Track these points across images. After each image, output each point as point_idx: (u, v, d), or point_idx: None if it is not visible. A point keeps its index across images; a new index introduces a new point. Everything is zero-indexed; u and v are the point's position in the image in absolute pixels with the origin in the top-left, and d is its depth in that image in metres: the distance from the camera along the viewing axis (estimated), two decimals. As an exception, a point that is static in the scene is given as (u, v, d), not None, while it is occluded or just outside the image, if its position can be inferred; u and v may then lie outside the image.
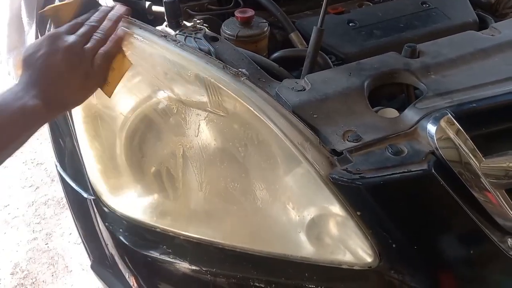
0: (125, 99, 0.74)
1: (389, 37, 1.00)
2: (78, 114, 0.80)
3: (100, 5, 0.73)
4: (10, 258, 1.69)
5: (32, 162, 2.12)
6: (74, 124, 0.81)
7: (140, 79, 0.74)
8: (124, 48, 0.70)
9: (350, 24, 1.04)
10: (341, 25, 1.04)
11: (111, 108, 0.76)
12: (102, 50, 0.65)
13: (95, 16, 0.68)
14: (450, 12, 1.06)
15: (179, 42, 0.72)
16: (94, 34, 0.66)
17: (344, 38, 1.00)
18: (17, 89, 0.59)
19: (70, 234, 1.78)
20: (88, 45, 0.64)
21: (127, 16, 0.72)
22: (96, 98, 0.75)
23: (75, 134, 0.82)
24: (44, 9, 0.69)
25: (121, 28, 0.69)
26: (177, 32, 0.83)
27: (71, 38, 0.63)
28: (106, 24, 0.68)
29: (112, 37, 0.68)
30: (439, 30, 1.00)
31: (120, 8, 0.70)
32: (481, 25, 1.04)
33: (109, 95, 0.70)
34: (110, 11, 0.70)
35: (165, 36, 0.73)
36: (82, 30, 0.65)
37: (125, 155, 0.76)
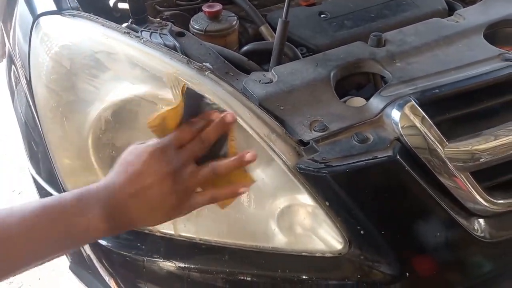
0: (90, 97, 0.74)
1: (360, 27, 1.00)
2: (45, 115, 0.79)
3: (205, 103, 0.61)
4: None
5: (15, 167, 2.10)
6: (42, 125, 0.80)
7: (106, 77, 0.74)
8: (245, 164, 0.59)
9: (322, 16, 1.04)
10: (312, 17, 1.04)
11: (76, 108, 0.75)
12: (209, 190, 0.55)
13: (206, 132, 0.55)
14: (419, 0, 1.07)
15: (142, 38, 0.72)
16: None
17: (315, 29, 1.00)
18: (90, 197, 0.49)
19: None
20: (199, 175, 0.53)
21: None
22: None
23: (44, 135, 0.81)
24: (149, 121, 0.57)
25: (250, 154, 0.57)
26: (143, 28, 0.83)
27: (179, 162, 0.51)
28: (211, 137, 0.55)
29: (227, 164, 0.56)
30: (408, 18, 1.01)
31: (230, 118, 0.57)
32: (451, 12, 1.05)
33: (222, 207, 0.62)
34: (218, 119, 0.57)
35: (128, 32, 0.72)
36: (190, 150, 0.53)
37: (94, 155, 0.76)
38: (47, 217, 0.48)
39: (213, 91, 0.68)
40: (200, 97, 0.61)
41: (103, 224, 0.49)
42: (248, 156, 0.57)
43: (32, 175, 0.98)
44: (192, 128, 0.56)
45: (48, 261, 0.50)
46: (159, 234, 0.77)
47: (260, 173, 0.70)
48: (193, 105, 0.59)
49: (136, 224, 0.54)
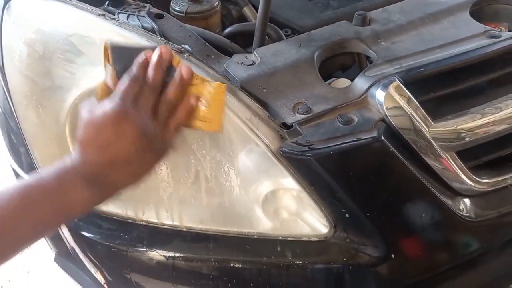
0: (66, 83, 0.71)
1: (346, 8, 0.98)
2: (20, 103, 0.77)
3: (132, 50, 0.56)
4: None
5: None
6: (18, 114, 0.78)
7: (81, 62, 0.71)
8: (198, 79, 0.57)
9: (307, -4, 1.02)
10: (298, -2, 1.01)
11: (52, 94, 0.72)
12: (174, 121, 0.54)
13: (150, 77, 0.53)
14: (406, -21, 1.05)
15: (118, 20, 0.69)
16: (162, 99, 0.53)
17: (301, 11, 0.98)
18: (69, 174, 0.49)
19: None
20: (158, 116, 0.52)
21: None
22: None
23: (20, 124, 0.78)
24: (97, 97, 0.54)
25: (184, 70, 0.54)
26: (120, 10, 0.80)
27: (137, 116, 0.50)
28: (158, 79, 0.53)
29: (177, 91, 0.54)
30: (395, -3, 0.99)
31: (165, 52, 0.55)
32: (438, -10, 1.04)
33: (220, 129, 0.60)
34: (155, 58, 0.54)
35: (103, 14, 0.70)
36: (142, 101, 0.51)
37: (71, 143, 0.73)
38: (32, 200, 0.47)
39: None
40: (127, 47, 0.58)
41: (90, 196, 0.50)
42: (184, 72, 0.55)
43: (12, 167, 0.95)
44: (134, 78, 0.53)
45: (37, 241, 0.51)
46: (142, 223, 0.75)
47: (243, 158, 0.68)
48: (124, 57, 0.55)
49: (122, 187, 0.53)
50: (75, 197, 0.49)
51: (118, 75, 0.54)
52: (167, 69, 0.55)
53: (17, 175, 0.94)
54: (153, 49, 0.56)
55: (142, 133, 0.50)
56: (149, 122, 0.52)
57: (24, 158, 0.88)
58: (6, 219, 0.47)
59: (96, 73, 0.71)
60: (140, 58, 0.54)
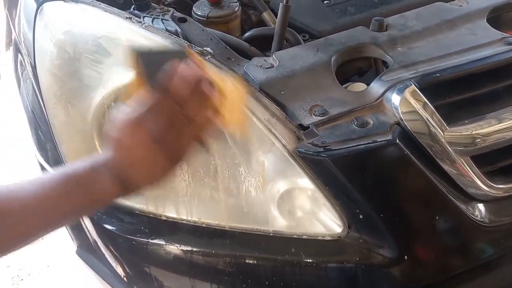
0: (93, 82, 0.75)
1: (363, 13, 1.00)
2: (49, 101, 0.81)
3: (162, 54, 0.57)
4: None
5: (15, 157, 2.13)
6: (47, 111, 0.82)
7: (108, 62, 0.75)
8: (218, 79, 0.56)
9: (325, 2, 1.04)
10: (315, 3, 1.03)
11: (80, 93, 0.76)
12: (191, 132, 0.54)
13: (176, 86, 0.53)
14: (424, -15, 1.06)
15: (144, 23, 0.73)
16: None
17: (318, 16, 1.00)
18: (99, 167, 0.52)
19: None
20: (177, 129, 0.54)
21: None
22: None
23: (49, 121, 0.82)
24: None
25: (206, 83, 0.55)
26: (145, 14, 0.84)
27: (156, 126, 0.52)
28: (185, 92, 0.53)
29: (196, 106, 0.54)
30: (412, 4, 1.00)
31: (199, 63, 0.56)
32: (456, -4, 1.05)
33: (246, 133, 0.61)
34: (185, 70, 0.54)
35: (130, 18, 0.73)
36: (165, 111, 0.53)
37: (98, 139, 0.77)
38: (65, 187, 0.52)
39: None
40: (153, 52, 0.59)
41: (116, 188, 0.54)
42: (205, 88, 0.55)
43: (39, 162, 0.99)
44: (160, 88, 0.54)
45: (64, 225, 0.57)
46: (162, 218, 0.78)
47: (260, 157, 0.71)
48: (150, 62, 0.56)
49: (141, 187, 0.57)
50: (103, 189, 0.53)
51: (145, 79, 0.56)
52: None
53: (43, 169, 0.98)
54: (179, 54, 0.56)
55: (159, 143, 0.53)
56: (167, 133, 0.54)
57: (50, 154, 0.92)
58: (45, 201, 0.51)
59: (122, 73, 0.74)
60: (169, 68, 0.55)
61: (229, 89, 0.59)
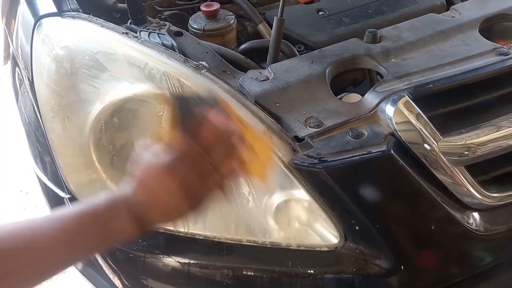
0: (90, 97, 0.76)
1: (358, 24, 1.01)
2: (47, 115, 0.81)
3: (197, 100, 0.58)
4: (3, 263, 1.70)
5: (21, 168, 2.14)
6: (45, 125, 0.82)
7: (105, 77, 0.76)
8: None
9: (320, 13, 1.05)
10: (311, 14, 1.05)
11: (77, 107, 0.77)
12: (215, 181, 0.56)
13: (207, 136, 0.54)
14: (418, -4, 1.07)
15: (140, 38, 0.74)
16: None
17: (313, 27, 1.01)
18: (120, 205, 0.53)
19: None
20: (205, 180, 0.55)
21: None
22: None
23: (46, 135, 0.83)
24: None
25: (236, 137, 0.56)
26: (141, 28, 0.84)
27: (186, 175, 0.53)
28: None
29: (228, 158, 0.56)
30: (406, 14, 1.02)
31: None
32: (449, 7, 1.06)
33: (267, 183, 0.62)
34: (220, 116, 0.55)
35: (126, 33, 0.74)
36: (196, 161, 0.54)
37: (95, 153, 0.78)
38: (84, 226, 0.52)
39: (210, 89, 0.69)
40: (192, 98, 0.60)
41: (131, 226, 0.54)
42: (236, 141, 0.56)
43: (36, 174, 1.00)
44: (193, 136, 0.55)
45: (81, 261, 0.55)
46: (159, 230, 0.78)
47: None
48: (185, 107, 0.57)
49: (157, 224, 0.58)
50: (120, 226, 0.53)
51: (177, 124, 0.56)
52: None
53: (41, 182, 0.99)
54: (211, 102, 0.56)
55: (185, 192, 0.54)
56: (195, 183, 0.55)
57: (49, 167, 0.92)
58: (62, 243, 0.50)
59: (119, 88, 0.75)
60: (200, 114, 0.55)
61: (257, 142, 0.59)
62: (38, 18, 0.86)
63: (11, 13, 1.10)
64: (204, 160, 0.55)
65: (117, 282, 0.85)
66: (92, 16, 0.80)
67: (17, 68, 1.07)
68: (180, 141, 0.55)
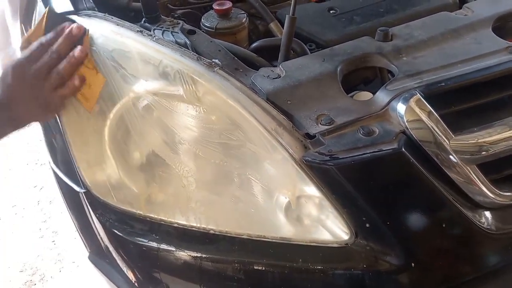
0: (105, 93, 0.77)
1: (369, 23, 1.01)
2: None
3: (64, 19, 0.75)
4: (18, 256, 1.75)
5: (36, 163, 2.18)
6: (61, 120, 0.85)
7: (120, 74, 0.77)
8: (91, 65, 0.73)
9: (331, 12, 1.05)
10: (322, 12, 1.05)
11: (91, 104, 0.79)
12: (61, 90, 0.71)
13: (57, 45, 0.70)
14: (430, -6, 1.06)
15: (154, 36, 0.75)
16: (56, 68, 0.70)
17: (324, 25, 1.01)
18: None
19: (76, 230, 1.83)
20: (49, 80, 0.70)
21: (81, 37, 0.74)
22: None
23: (63, 130, 0.85)
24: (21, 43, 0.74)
25: (78, 50, 0.72)
26: (155, 27, 0.86)
27: (29, 74, 0.69)
28: (61, 49, 0.70)
29: (69, 66, 0.71)
30: (418, 13, 1.01)
31: (76, 30, 0.72)
32: (462, 5, 1.05)
33: (90, 110, 0.76)
34: (67, 31, 0.72)
35: (141, 31, 0.76)
36: (41, 63, 0.70)
37: (110, 148, 0.79)
38: None
39: (221, 86, 0.70)
40: (66, 18, 0.76)
41: (4, 119, 0.71)
42: (76, 52, 0.71)
43: (52, 169, 1.02)
44: (43, 43, 0.70)
45: None
46: (173, 224, 0.80)
47: (267, 166, 0.72)
48: (55, 23, 0.72)
49: (25, 119, 0.74)
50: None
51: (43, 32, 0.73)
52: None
53: (57, 176, 1.01)
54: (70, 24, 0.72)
55: (30, 85, 0.69)
56: (38, 79, 0.69)
57: (65, 161, 0.94)
58: None
59: (133, 85, 0.77)
60: (58, 28, 0.71)
61: (95, 76, 0.73)
62: (55, 17, 0.88)
63: (27, 12, 1.13)
64: (53, 66, 0.69)
65: (130, 275, 0.87)
66: (107, 15, 0.82)
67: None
68: (36, 45, 0.69)
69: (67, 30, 0.70)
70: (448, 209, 0.70)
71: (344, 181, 0.68)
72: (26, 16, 1.14)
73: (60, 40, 0.70)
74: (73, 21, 0.74)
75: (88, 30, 0.74)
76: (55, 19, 0.73)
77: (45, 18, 0.72)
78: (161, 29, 0.85)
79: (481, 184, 0.70)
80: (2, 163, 2.16)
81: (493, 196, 0.71)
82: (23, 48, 0.72)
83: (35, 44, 0.70)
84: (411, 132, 0.69)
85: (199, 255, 0.77)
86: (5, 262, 1.73)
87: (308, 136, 0.71)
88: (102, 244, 0.93)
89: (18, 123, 0.72)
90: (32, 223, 1.88)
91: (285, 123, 0.71)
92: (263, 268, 0.74)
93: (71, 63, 0.70)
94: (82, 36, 0.72)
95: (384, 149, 0.68)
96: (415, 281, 0.72)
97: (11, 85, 0.68)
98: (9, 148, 2.23)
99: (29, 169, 2.15)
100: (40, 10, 0.97)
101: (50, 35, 0.71)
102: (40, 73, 0.69)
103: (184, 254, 0.78)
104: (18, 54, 0.71)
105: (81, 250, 1.71)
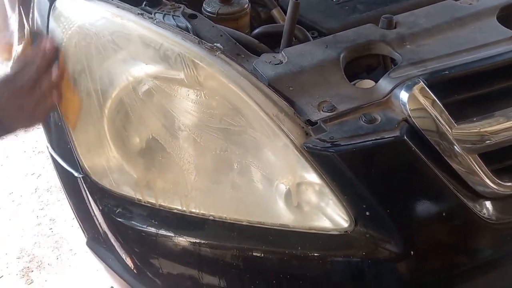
0: (105, 77, 0.76)
1: (372, 11, 1.00)
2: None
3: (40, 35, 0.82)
4: (16, 243, 1.74)
5: (33, 151, 2.17)
6: (59, 104, 0.84)
7: (120, 57, 0.76)
8: (69, 85, 0.79)
9: (334, 0, 1.05)
10: (325, 0, 1.04)
11: (92, 87, 0.78)
12: (43, 103, 0.78)
13: (36, 61, 0.77)
14: (434, -16, 1.05)
15: (155, 19, 0.74)
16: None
17: (327, 13, 1.00)
18: None
19: (73, 218, 1.82)
20: (33, 94, 0.77)
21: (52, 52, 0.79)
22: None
23: (62, 114, 0.84)
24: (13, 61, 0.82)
25: (55, 69, 0.78)
26: (156, 10, 0.85)
27: (14, 89, 0.77)
28: (40, 64, 0.77)
29: (48, 84, 0.78)
30: (421, 1, 1.00)
31: (48, 44, 0.78)
32: (466, -5, 1.04)
33: (72, 126, 0.83)
34: (41, 48, 0.78)
35: (141, 14, 0.74)
36: (25, 77, 0.77)
37: (109, 133, 0.79)
38: None
39: (223, 70, 0.69)
40: (39, 32, 0.84)
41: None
42: (54, 72, 0.78)
43: (50, 154, 1.01)
44: (27, 60, 0.78)
45: None
46: (171, 210, 0.80)
47: (268, 152, 0.72)
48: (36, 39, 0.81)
49: (12, 126, 0.80)
50: None
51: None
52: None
53: (55, 161, 1.00)
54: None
55: (16, 98, 0.76)
56: (24, 92, 0.76)
57: (63, 146, 0.94)
58: None
59: (133, 68, 0.76)
60: (38, 43, 0.76)
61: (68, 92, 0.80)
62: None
63: (26, -5, 1.11)
64: (36, 81, 0.76)
65: (128, 261, 0.87)
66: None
67: (32, 50, 1.08)
68: (22, 64, 0.77)
69: (41, 47, 0.78)
70: (448, 198, 0.70)
71: (345, 168, 0.68)
72: (23, 1, 1.12)
73: (38, 57, 0.78)
74: (46, 35, 0.82)
75: (61, 45, 0.80)
76: (36, 36, 0.83)
77: (29, 36, 0.84)
78: (162, 13, 0.84)
79: (482, 174, 0.70)
80: (0, 151, 2.15)
81: (494, 186, 0.71)
82: (14, 64, 0.81)
83: (21, 61, 0.79)
84: (414, 120, 0.69)
85: (198, 241, 0.77)
86: (2, 248, 1.73)
87: (310, 122, 0.71)
88: (100, 230, 0.92)
89: (6, 128, 0.80)
90: (29, 211, 1.88)
91: (287, 109, 0.71)
92: (262, 255, 0.74)
93: (50, 81, 0.78)
94: (56, 50, 0.79)
95: (386, 136, 0.68)
96: (414, 269, 0.72)
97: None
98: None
99: (26, 156, 2.14)
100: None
101: (32, 52, 0.80)
102: (24, 86, 0.76)
103: (183, 240, 0.77)
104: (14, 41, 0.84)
105: (79, 238, 1.72)
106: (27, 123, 0.82)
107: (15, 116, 0.78)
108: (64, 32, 0.81)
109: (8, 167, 2.08)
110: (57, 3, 0.86)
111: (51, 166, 2.10)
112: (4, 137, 0.81)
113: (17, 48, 0.90)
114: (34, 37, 0.85)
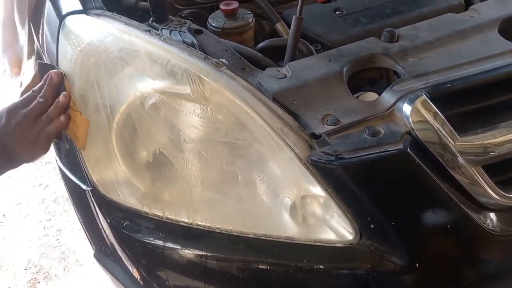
0: (113, 92, 0.78)
1: (374, 24, 1.01)
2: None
3: (51, 68, 0.84)
4: (23, 254, 1.75)
5: (40, 162, 2.20)
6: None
7: (128, 73, 0.78)
8: (75, 108, 0.81)
9: (337, 12, 1.06)
10: (328, 13, 1.06)
11: (100, 102, 0.79)
12: (47, 128, 0.80)
13: (43, 91, 0.80)
14: (436, -4, 1.07)
15: (162, 35, 0.76)
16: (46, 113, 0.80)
17: (330, 26, 1.02)
18: None
19: (80, 229, 1.84)
20: (39, 122, 0.79)
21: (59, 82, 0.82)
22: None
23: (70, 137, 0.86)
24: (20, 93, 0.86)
25: (63, 95, 0.81)
26: (163, 26, 0.87)
27: (21, 116, 0.79)
28: (46, 94, 0.80)
29: (56, 110, 0.80)
30: (424, 14, 1.02)
31: (55, 76, 0.81)
32: (468, 7, 1.05)
33: (82, 147, 0.84)
34: (48, 78, 0.81)
35: (149, 30, 0.76)
36: (30, 107, 0.80)
37: (117, 147, 0.80)
38: None
39: (228, 85, 0.71)
40: (50, 66, 0.85)
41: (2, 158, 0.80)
42: (61, 98, 0.80)
43: (59, 167, 1.03)
44: (35, 90, 0.80)
45: None
46: (178, 223, 0.80)
47: (273, 165, 0.73)
48: (44, 73, 0.82)
49: (17, 158, 0.83)
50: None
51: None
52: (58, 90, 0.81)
53: (63, 174, 1.02)
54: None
55: (20, 126, 0.77)
56: (29, 121, 0.78)
57: (72, 159, 0.95)
58: None
59: (141, 83, 0.77)
60: (46, 76, 0.80)
61: (81, 118, 0.81)
62: (63, 15, 0.89)
63: (36, 11, 1.14)
64: (43, 111, 0.78)
65: (135, 273, 0.87)
66: (116, 14, 0.83)
67: (41, 64, 1.11)
68: (29, 94, 0.80)
69: (48, 78, 0.80)
70: (452, 210, 0.70)
71: (349, 181, 0.69)
72: (34, 15, 1.15)
73: (45, 87, 0.80)
74: (56, 68, 0.84)
75: (65, 75, 0.83)
76: (44, 69, 0.83)
77: (38, 70, 0.85)
78: (168, 29, 0.86)
79: (486, 186, 0.70)
80: (7, 162, 2.17)
81: (498, 198, 0.71)
82: (21, 95, 0.83)
83: (29, 92, 0.81)
84: (417, 133, 0.70)
85: (204, 253, 0.77)
86: (10, 259, 1.74)
87: (314, 136, 0.72)
88: (108, 242, 0.93)
89: (11, 160, 0.81)
90: (36, 222, 1.89)
91: (291, 123, 0.72)
92: (268, 267, 0.75)
93: (58, 107, 0.80)
94: (62, 80, 0.81)
95: (389, 149, 0.68)
96: (419, 282, 0.72)
97: (4, 124, 0.78)
98: (15, 146, 2.24)
99: (33, 167, 2.17)
100: (48, 9, 0.99)
101: (39, 84, 0.81)
102: (29, 115, 0.78)
103: (189, 253, 0.78)
104: (24, 58, 0.85)
105: (86, 249, 1.73)
106: (32, 153, 0.82)
107: (18, 146, 0.79)
108: (73, 49, 0.83)
109: (15, 178, 2.10)
110: (67, 21, 0.88)
111: (58, 177, 2.13)
112: (10, 170, 0.83)
113: (27, 64, 0.92)
114: (42, 68, 0.86)
